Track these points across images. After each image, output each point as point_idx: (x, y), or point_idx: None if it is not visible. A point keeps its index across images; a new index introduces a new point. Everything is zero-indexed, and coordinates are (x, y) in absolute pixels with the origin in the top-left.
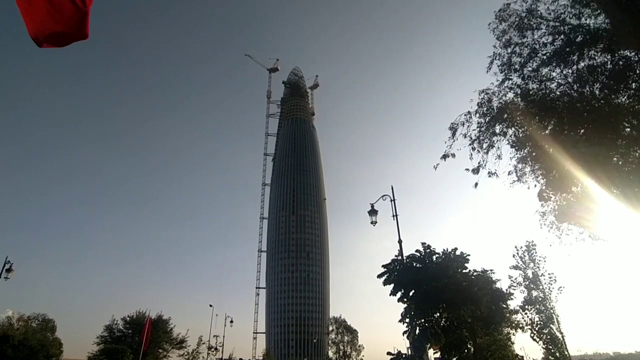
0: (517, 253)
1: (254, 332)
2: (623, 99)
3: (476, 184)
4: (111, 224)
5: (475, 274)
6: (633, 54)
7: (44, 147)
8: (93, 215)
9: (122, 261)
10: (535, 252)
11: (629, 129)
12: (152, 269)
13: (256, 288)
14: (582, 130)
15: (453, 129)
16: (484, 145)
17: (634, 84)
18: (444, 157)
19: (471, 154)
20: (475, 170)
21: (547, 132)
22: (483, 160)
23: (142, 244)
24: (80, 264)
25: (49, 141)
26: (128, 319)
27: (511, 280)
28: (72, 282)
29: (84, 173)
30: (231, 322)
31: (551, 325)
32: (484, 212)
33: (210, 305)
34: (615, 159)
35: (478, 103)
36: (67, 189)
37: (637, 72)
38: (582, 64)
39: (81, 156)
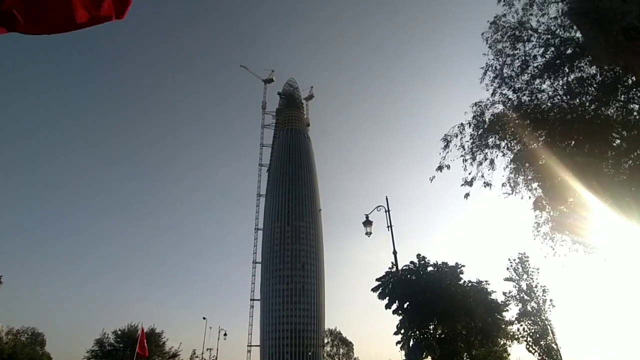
0: (511, 265)
1: (248, 345)
2: (612, 111)
3: (467, 195)
4: (103, 232)
5: (469, 284)
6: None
7: (31, 152)
8: (83, 224)
9: (114, 272)
10: (529, 264)
11: (618, 141)
12: (145, 280)
13: (250, 300)
14: (573, 142)
15: (446, 140)
16: (477, 157)
17: (622, 96)
18: (439, 168)
19: (464, 166)
20: (469, 183)
21: (539, 143)
22: (477, 172)
23: (134, 254)
24: (70, 274)
25: (37, 146)
26: (119, 332)
27: (505, 296)
28: (61, 294)
29: (74, 179)
30: (225, 334)
31: (547, 337)
32: (480, 221)
33: (204, 318)
34: (606, 169)
35: (472, 117)
36: (56, 195)
37: (626, 84)
38: (572, 76)
39: (71, 160)
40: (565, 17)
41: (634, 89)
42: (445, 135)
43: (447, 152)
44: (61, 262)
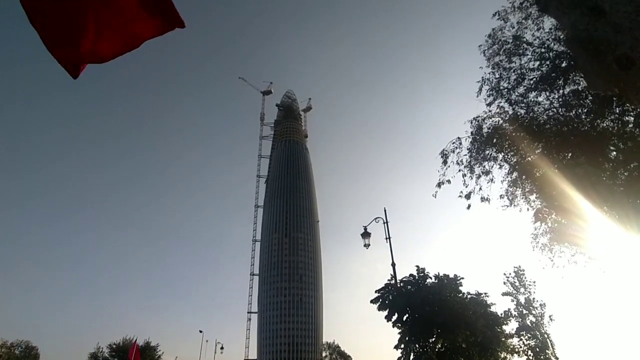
0: (508, 279)
1: (245, 359)
2: (608, 123)
3: (469, 206)
4: (96, 246)
5: (468, 297)
6: None
7: (21, 157)
8: (76, 233)
9: (108, 285)
10: (525, 277)
11: (614, 153)
12: (140, 293)
13: (248, 313)
14: (569, 154)
15: (444, 156)
16: (476, 171)
17: (617, 108)
18: (439, 184)
19: (464, 180)
20: (468, 196)
21: (535, 155)
22: (476, 185)
23: (129, 267)
24: (64, 286)
25: (29, 150)
26: (114, 346)
27: (505, 313)
28: (55, 306)
29: (65, 186)
30: (221, 348)
31: (546, 350)
32: (478, 231)
33: (200, 331)
34: (603, 178)
35: (471, 132)
36: (47, 202)
37: (621, 97)
38: (568, 89)
39: (62, 166)
40: (559, 30)
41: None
42: (443, 150)
43: (446, 168)
44: (55, 273)
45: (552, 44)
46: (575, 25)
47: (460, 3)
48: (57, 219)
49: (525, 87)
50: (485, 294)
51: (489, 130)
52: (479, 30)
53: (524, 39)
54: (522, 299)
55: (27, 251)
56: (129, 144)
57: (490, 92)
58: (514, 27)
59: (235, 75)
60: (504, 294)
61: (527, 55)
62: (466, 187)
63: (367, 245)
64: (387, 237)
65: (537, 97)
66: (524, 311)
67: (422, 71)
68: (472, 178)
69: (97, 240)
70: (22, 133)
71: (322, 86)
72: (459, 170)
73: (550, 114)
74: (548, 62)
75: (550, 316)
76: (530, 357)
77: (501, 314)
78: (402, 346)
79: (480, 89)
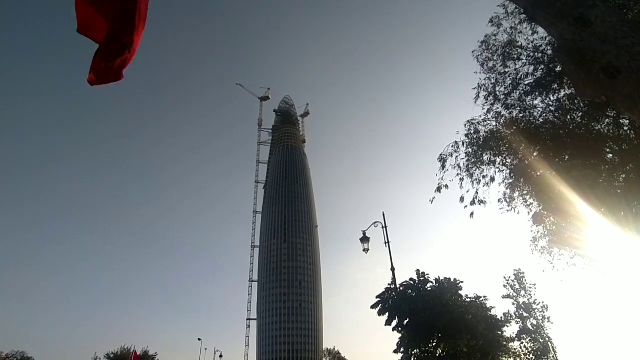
0: (508, 282)
1: None
2: (603, 126)
3: (472, 214)
4: (93, 254)
5: (468, 300)
6: None
7: (26, 155)
8: (70, 241)
9: (105, 294)
10: (525, 280)
11: (611, 155)
12: (138, 302)
13: (247, 319)
14: (566, 157)
15: (442, 160)
16: (474, 174)
17: (612, 111)
18: (438, 189)
19: (461, 184)
20: (472, 202)
21: (533, 158)
22: (474, 189)
23: (127, 276)
24: (61, 297)
25: (39, 151)
26: (112, 355)
27: (505, 315)
28: (52, 317)
29: (67, 187)
30: (220, 356)
31: (548, 354)
32: (477, 236)
33: (199, 339)
34: (600, 181)
35: (466, 134)
36: (44, 205)
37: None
38: (563, 93)
39: (70, 166)
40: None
41: None
42: (441, 154)
43: (445, 172)
44: (49, 279)
45: (546, 48)
46: (562, 35)
47: (457, 7)
48: (51, 223)
49: (521, 92)
50: (484, 297)
51: (486, 134)
52: (477, 33)
53: (518, 43)
54: (522, 301)
55: (20, 256)
56: (126, 148)
57: (487, 97)
58: (507, 33)
59: (233, 82)
60: (505, 297)
61: (522, 59)
62: (467, 192)
63: (366, 250)
64: (387, 241)
65: (532, 101)
66: (525, 314)
67: (420, 75)
68: (471, 182)
69: (92, 246)
70: (20, 134)
71: (320, 91)
72: (457, 175)
73: (547, 117)
74: (542, 67)
75: (548, 318)
76: None
77: (501, 317)
78: (402, 351)
79: (478, 95)
